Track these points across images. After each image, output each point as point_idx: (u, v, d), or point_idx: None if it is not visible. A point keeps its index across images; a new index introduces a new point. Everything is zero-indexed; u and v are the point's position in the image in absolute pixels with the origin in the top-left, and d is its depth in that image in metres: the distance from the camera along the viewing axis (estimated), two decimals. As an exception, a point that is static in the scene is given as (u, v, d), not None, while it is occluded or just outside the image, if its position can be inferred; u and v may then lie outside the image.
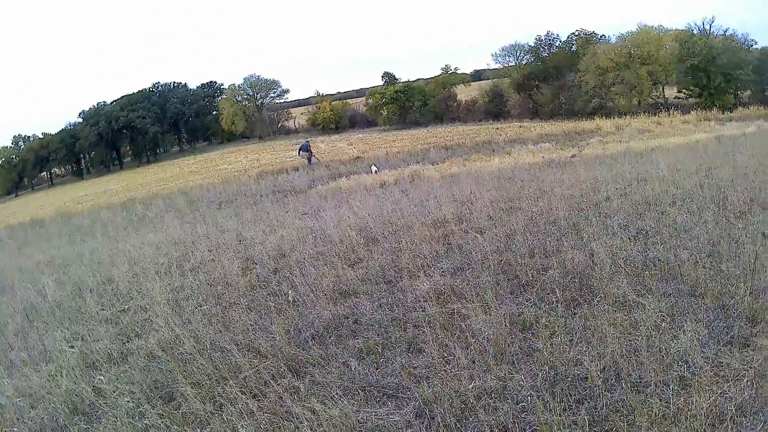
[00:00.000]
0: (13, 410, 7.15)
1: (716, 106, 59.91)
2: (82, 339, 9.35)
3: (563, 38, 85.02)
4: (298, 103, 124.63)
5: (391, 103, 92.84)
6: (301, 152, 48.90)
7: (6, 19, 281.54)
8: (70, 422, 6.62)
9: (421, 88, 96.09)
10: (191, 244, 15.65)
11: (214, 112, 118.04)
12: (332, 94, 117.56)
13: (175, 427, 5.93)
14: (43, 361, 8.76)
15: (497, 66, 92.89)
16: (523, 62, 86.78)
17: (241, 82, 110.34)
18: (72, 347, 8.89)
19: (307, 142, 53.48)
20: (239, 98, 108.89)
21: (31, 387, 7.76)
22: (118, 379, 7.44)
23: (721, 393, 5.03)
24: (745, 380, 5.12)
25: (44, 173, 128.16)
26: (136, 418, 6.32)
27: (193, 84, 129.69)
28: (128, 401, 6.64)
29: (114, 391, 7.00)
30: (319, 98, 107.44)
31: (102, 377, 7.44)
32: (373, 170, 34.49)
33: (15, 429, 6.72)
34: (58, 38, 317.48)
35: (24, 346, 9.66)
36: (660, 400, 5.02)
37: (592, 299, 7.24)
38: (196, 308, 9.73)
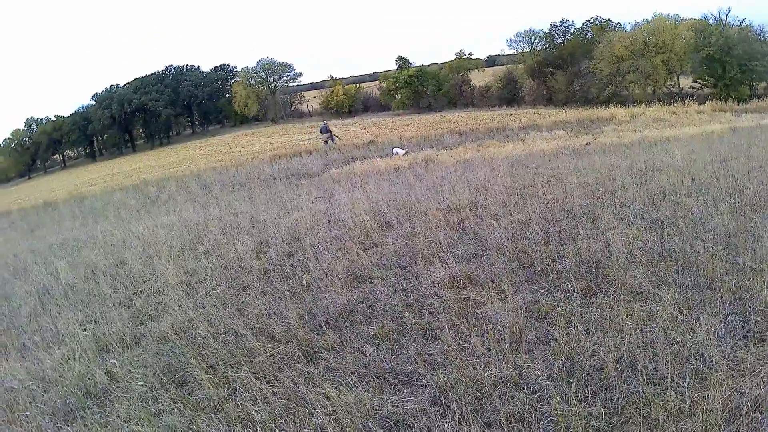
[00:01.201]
0: (25, 393, 7.16)
1: (731, 97, 59.39)
2: (95, 322, 9.35)
3: (578, 25, 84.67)
4: (312, 86, 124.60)
5: (404, 88, 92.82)
6: (321, 133, 49.28)
7: (19, 2, 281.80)
8: (82, 406, 6.64)
9: (434, 73, 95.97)
10: (204, 226, 15.65)
11: (227, 95, 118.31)
12: (345, 78, 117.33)
13: (189, 412, 5.94)
14: (55, 344, 8.76)
15: (511, 52, 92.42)
16: (538, 48, 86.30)
17: (255, 65, 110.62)
18: (85, 330, 8.90)
19: (325, 123, 53.99)
20: (252, 81, 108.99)
21: (44, 370, 7.76)
22: (131, 362, 7.45)
23: (737, 388, 5.00)
24: (761, 375, 5.10)
25: (57, 155, 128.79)
26: (149, 402, 6.33)
27: (206, 67, 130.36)
28: (141, 385, 6.64)
29: (127, 375, 7.01)
30: (333, 82, 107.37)
31: (115, 361, 7.48)
32: (396, 152, 34.37)
33: (27, 412, 6.72)
34: (71, 20, 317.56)
35: (37, 328, 9.69)
36: (676, 394, 5.00)
37: (608, 289, 7.24)
38: (210, 291, 9.75)
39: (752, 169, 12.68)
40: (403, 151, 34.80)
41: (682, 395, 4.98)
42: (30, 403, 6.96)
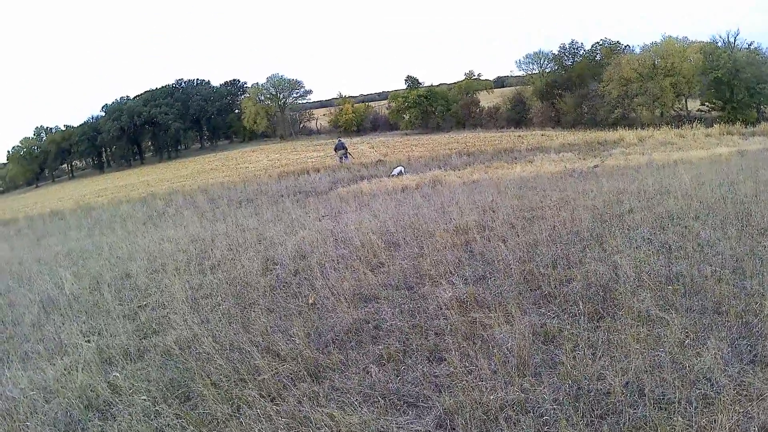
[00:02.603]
0: (27, 403, 7.14)
1: (739, 120, 59.40)
2: (99, 334, 9.34)
3: (587, 47, 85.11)
4: (321, 104, 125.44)
5: (413, 107, 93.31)
6: (336, 150, 49.94)
7: (33, 11, 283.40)
8: (84, 418, 6.61)
9: (443, 93, 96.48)
10: (211, 241, 15.66)
11: (237, 111, 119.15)
12: (354, 96, 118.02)
13: (192, 428, 5.91)
14: (58, 354, 8.75)
15: (520, 73, 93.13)
16: (547, 70, 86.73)
17: (264, 81, 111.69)
18: (88, 341, 8.88)
19: (341, 140, 55.20)
20: (262, 97, 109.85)
21: (46, 380, 7.74)
22: (134, 376, 7.42)
23: (744, 412, 4.98)
24: (768, 401, 5.05)
25: (65, 165, 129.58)
26: (152, 417, 6.30)
27: (216, 82, 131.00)
28: (144, 399, 6.62)
29: (130, 389, 6.98)
30: (342, 100, 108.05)
31: (118, 374, 7.44)
32: (396, 172, 34.40)
33: (28, 423, 6.70)
34: (84, 31, 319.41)
35: (40, 338, 9.68)
36: (683, 418, 4.96)
37: (616, 313, 7.19)
38: (215, 307, 9.72)
39: (760, 192, 12.63)
40: (402, 169, 34.94)
41: (689, 420, 4.94)
42: (31, 413, 6.94)
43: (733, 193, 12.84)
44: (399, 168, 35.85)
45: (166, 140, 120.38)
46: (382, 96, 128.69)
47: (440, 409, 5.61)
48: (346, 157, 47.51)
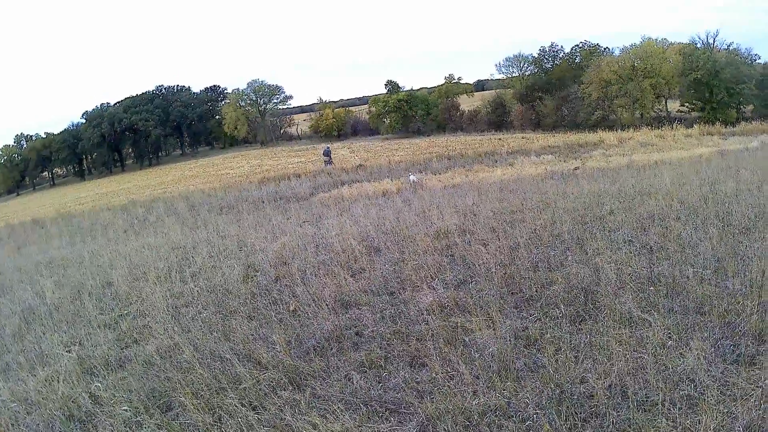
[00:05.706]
0: (8, 415, 7.07)
1: (719, 120, 59.83)
2: (80, 343, 9.26)
3: (567, 50, 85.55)
4: (301, 109, 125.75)
5: (393, 112, 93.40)
6: (324, 155, 52.04)
7: (12, 18, 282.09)
8: (66, 429, 6.55)
9: (424, 97, 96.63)
10: (192, 249, 15.58)
11: (217, 117, 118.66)
12: (335, 101, 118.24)
13: (173, 438, 5.85)
14: (39, 365, 8.67)
15: (500, 76, 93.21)
16: (527, 73, 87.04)
17: (245, 87, 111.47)
18: (69, 352, 8.82)
19: (328, 147, 57.11)
20: (242, 103, 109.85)
21: (27, 391, 7.66)
22: (115, 386, 7.35)
23: (728, 412, 4.97)
24: (752, 400, 5.06)
25: (46, 173, 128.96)
26: (133, 427, 6.24)
27: (196, 88, 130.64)
28: (125, 410, 6.55)
29: (111, 399, 6.91)
30: (322, 105, 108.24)
31: (99, 384, 7.36)
32: (412, 179, 34.43)
33: None
34: (63, 38, 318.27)
35: (21, 349, 9.59)
36: (667, 420, 4.96)
37: (598, 315, 7.18)
38: (196, 315, 9.65)
39: (740, 191, 12.70)
40: (414, 177, 34.99)
41: (673, 421, 4.94)
42: (12, 425, 6.88)
43: (714, 193, 12.88)
44: (412, 177, 35.84)
45: (147, 147, 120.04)
46: (362, 100, 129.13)
47: (422, 415, 5.58)
48: (329, 163, 48.43)
